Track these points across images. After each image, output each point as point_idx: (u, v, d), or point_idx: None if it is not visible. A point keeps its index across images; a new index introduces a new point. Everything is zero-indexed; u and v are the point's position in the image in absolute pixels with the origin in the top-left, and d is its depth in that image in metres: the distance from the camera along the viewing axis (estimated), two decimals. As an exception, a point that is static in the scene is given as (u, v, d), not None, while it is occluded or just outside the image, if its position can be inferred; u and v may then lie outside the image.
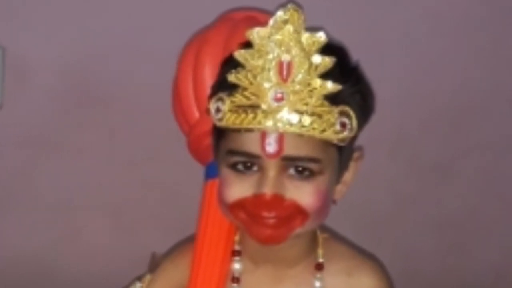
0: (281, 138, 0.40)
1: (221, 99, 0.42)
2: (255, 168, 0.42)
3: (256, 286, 0.50)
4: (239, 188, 0.43)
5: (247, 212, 0.43)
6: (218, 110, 0.42)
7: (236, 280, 0.49)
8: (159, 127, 0.79)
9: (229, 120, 0.41)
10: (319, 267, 0.49)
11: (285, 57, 0.39)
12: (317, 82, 0.40)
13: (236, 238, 0.51)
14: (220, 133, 0.45)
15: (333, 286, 0.49)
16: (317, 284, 0.49)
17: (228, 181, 0.44)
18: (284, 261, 0.49)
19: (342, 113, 0.41)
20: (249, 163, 0.42)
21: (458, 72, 0.90)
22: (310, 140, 0.41)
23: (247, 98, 0.41)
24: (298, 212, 0.42)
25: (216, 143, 0.47)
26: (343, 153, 0.44)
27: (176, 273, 0.53)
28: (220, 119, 0.42)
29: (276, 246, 0.45)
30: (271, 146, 0.40)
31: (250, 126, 0.40)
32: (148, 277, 0.54)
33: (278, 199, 0.41)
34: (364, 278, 0.50)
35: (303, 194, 0.42)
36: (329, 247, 0.51)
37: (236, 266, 0.50)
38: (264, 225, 0.42)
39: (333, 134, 0.41)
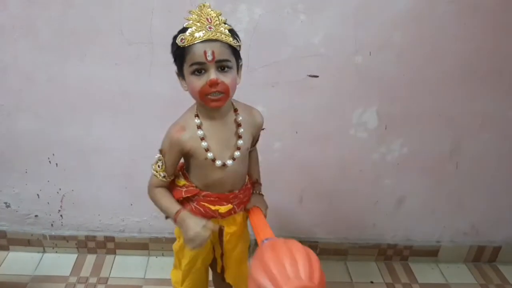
0: (213, 51, 0.83)
1: (183, 33, 0.85)
2: (203, 72, 0.86)
3: (210, 126, 0.95)
4: (199, 82, 0.86)
5: (204, 94, 0.87)
6: (182, 40, 0.85)
7: (199, 127, 0.94)
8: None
9: (189, 40, 0.84)
10: (236, 111, 0.99)
11: (209, 13, 0.86)
12: (223, 25, 0.86)
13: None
14: (183, 58, 0.87)
15: (243, 118, 0.98)
16: (239, 118, 0.98)
17: (193, 81, 0.87)
18: (221, 113, 0.96)
19: (235, 35, 0.88)
20: (201, 69, 0.85)
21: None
22: (226, 48, 0.85)
23: (196, 28, 0.84)
24: (226, 90, 0.87)
25: (180, 67, 0.89)
26: (238, 58, 0.91)
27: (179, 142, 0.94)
28: (184, 41, 0.84)
29: (219, 108, 0.91)
30: (209, 56, 0.83)
31: (198, 41, 0.83)
32: (159, 156, 0.96)
33: (218, 81, 0.85)
34: (256, 114, 1.03)
35: (227, 79, 0.87)
36: (236, 104, 1.00)
37: (197, 121, 0.94)
38: (214, 100, 0.88)
39: (235, 43, 0.87)
